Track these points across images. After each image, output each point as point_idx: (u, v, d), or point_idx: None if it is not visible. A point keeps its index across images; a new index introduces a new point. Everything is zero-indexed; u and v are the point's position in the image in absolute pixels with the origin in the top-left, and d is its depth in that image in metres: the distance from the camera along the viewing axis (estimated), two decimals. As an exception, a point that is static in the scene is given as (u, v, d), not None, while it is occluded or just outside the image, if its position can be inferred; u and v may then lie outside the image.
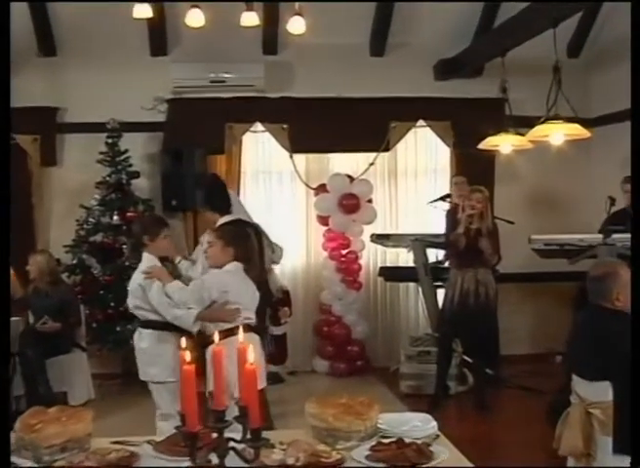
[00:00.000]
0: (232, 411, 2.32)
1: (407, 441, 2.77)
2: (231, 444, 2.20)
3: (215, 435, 2.24)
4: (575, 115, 6.15)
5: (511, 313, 8.26)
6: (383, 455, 2.67)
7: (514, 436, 6.09)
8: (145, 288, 4.65)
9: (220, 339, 4.24)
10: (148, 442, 2.89)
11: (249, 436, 2.14)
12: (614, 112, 8.11)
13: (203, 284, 4.53)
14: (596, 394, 3.77)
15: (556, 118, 6.11)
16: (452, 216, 7.04)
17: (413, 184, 8.67)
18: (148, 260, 4.77)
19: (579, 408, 3.88)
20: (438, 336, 7.07)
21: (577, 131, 6.13)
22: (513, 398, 7.24)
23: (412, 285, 8.50)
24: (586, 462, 3.82)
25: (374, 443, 2.79)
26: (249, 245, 4.72)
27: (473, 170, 8.11)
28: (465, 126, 8.17)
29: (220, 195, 5.70)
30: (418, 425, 3.03)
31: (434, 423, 3.07)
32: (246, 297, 4.60)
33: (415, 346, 7.41)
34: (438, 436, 3.02)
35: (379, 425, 2.97)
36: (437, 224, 8.25)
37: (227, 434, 2.27)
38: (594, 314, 3.88)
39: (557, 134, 6.20)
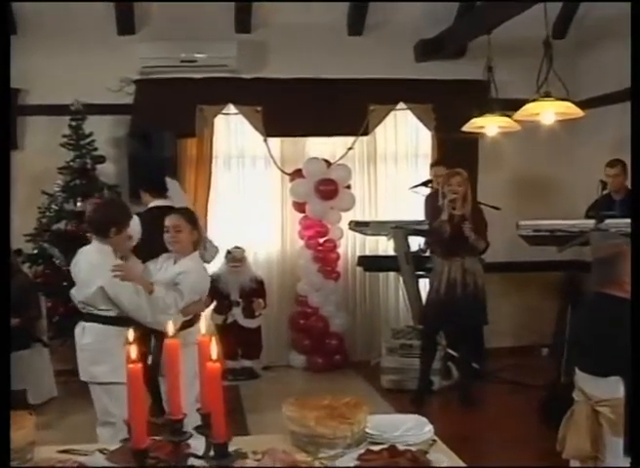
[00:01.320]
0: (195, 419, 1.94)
1: (400, 448, 2.40)
2: (191, 461, 1.80)
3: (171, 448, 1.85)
4: (566, 94, 5.82)
5: (495, 304, 7.89)
6: (374, 465, 2.30)
7: (503, 433, 5.76)
8: (108, 288, 4.21)
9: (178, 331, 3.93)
10: (101, 451, 2.50)
11: (212, 452, 1.75)
12: (601, 95, 7.82)
13: (195, 289, 4.41)
14: (605, 391, 3.42)
15: (547, 96, 5.78)
16: (433, 203, 6.72)
17: (393, 170, 8.29)
18: (104, 253, 4.33)
19: (584, 406, 3.53)
20: (422, 329, 6.72)
21: (569, 109, 5.80)
22: (500, 392, 6.92)
23: (392, 274, 8.15)
24: (594, 465, 3.46)
25: (362, 451, 2.41)
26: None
27: (456, 154, 7.76)
28: (447, 109, 7.86)
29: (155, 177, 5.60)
30: (411, 429, 2.67)
31: (430, 426, 2.71)
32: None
33: (396, 339, 7.05)
34: (435, 441, 2.67)
35: (367, 430, 2.60)
36: (419, 211, 7.93)
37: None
38: (602, 303, 3.52)
39: (548, 112, 5.86)
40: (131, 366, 1.71)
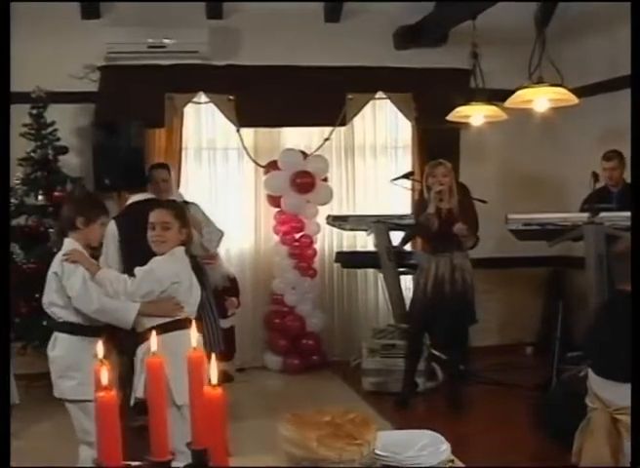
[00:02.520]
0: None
1: (418, 472, 2.05)
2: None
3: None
4: (561, 80, 5.53)
5: (478, 302, 7.62)
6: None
7: (493, 436, 5.46)
8: (62, 275, 3.85)
9: (158, 334, 3.50)
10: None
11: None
12: (587, 85, 7.52)
13: (154, 273, 3.82)
14: (626, 397, 3.09)
15: (540, 82, 5.48)
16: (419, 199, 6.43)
17: (372, 162, 7.94)
18: (71, 246, 3.97)
19: (602, 414, 3.21)
20: (408, 328, 6.39)
21: (564, 95, 5.52)
22: (487, 394, 6.60)
23: (371, 271, 7.82)
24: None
25: (373, 477, 2.06)
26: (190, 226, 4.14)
27: (437, 145, 7.47)
28: (428, 98, 7.58)
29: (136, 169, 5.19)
30: (426, 447, 2.31)
31: (446, 445, 2.35)
32: (193, 288, 4.00)
33: (378, 339, 6.70)
34: (452, 461, 2.32)
35: (376, 451, 2.25)
36: (399, 205, 7.63)
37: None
38: (624, 301, 3.19)
39: (542, 99, 5.56)
40: (100, 395, 1.30)
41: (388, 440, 2.33)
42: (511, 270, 8.06)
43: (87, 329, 3.87)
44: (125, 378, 3.98)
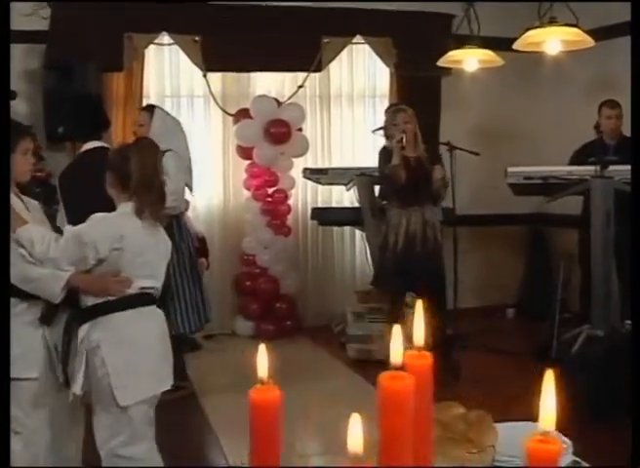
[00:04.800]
0: None
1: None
2: None
3: None
4: (576, 21, 5.04)
5: (456, 261, 7.19)
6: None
7: (499, 403, 5.01)
8: None
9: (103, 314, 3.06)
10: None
11: None
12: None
13: (87, 234, 3.02)
14: None
15: (553, 22, 4.98)
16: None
17: (348, 111, 7.36)
18: None
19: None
20: (389, 292, 5.87)
21: (578, 36, 5.03)
22: (478, 360, 6.16)
23: (347, 229, 7.30)
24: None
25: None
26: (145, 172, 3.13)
27: (416, 94, 6.97)
28: (409, 43, 7.07)
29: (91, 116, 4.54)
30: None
31: (568, 442, 1.85)
32: (150, 255, 3.16)
33: (362, 303, 6.20)
34: (579, 463, 1.83)
35: (495, 456, 1.74)
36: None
37: None
38: None
39: (554, 40, 5.06)
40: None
41: (500, 439, 1.82)
42: (488, 228, 7.62)
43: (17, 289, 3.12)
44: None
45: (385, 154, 5.58)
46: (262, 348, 1.23)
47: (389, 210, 5.69)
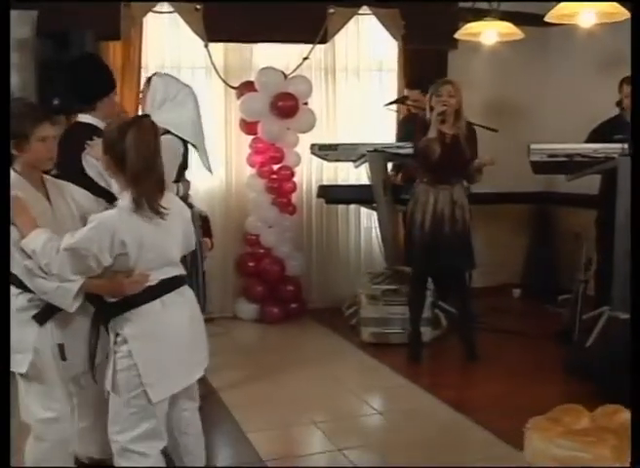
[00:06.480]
0: None
1: None
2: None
3: None
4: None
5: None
6: None
7: (519, 389, 4.82)
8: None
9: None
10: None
11: None
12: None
13: (81, 249, 2.77)
14: None
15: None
16: (412, 124, 5.65)
17: (355, 85, 7.03)
18: (15, 185, 2.92)
19: None
20: (412, 272, 5.64)
21: (614, 9, 4.79)
22: (496, 342, 5.96)
23: (352, 208, 7.04)
24: None
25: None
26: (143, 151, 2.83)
27: (423, 68, 6.74)
28: (417, 15, 6.78)
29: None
30: None
31: None
32: (162, 246, 2.93)
33: (376, 284, 5.95)
34: None
35: None
36: (386, 134, 6.87)
37: None
38: None
39: (589, 12, 4.83)
40: None
41: None
42: (492, 206, 7.38)
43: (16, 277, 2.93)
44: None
45: (422, 126, 5.32)
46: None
47: (417, 186, 5.45)
